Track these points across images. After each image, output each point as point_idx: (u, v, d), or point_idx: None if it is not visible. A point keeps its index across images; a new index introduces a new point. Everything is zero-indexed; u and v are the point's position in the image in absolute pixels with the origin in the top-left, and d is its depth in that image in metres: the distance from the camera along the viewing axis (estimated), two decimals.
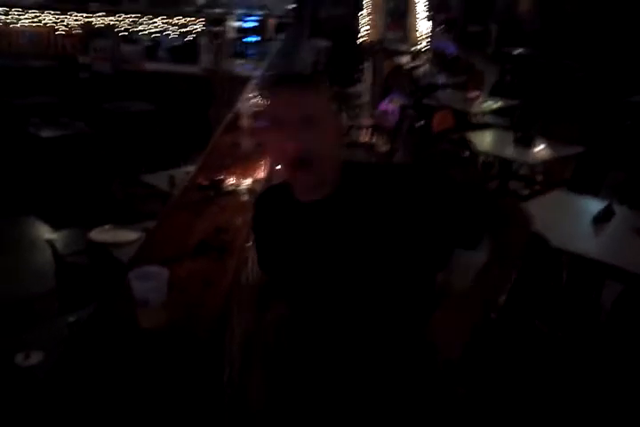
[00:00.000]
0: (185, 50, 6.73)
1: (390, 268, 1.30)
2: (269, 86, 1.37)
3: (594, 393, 2.55)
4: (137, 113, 5.58)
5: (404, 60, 8.14)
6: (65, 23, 6.49)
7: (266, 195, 1.53)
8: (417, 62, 7.78)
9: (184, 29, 6.86)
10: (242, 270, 1.90)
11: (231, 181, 2.40)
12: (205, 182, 2.31)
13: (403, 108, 4.53)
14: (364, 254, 1.29)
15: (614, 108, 5.77)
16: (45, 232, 3.82)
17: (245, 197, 2.29)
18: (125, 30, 6.68)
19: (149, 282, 1.34)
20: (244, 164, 2.67)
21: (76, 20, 6.48)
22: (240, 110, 3.39)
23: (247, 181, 2.43)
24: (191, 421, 1.20)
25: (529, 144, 4.13)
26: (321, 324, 1.39)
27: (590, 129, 4.63)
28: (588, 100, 5.93)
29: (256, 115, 3.23)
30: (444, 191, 1.31)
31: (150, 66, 6.44)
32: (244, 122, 3.18)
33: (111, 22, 6.44)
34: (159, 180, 3.51)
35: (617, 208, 3.08)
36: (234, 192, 2.31)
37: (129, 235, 2.88)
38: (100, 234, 2.98)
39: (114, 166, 4.50)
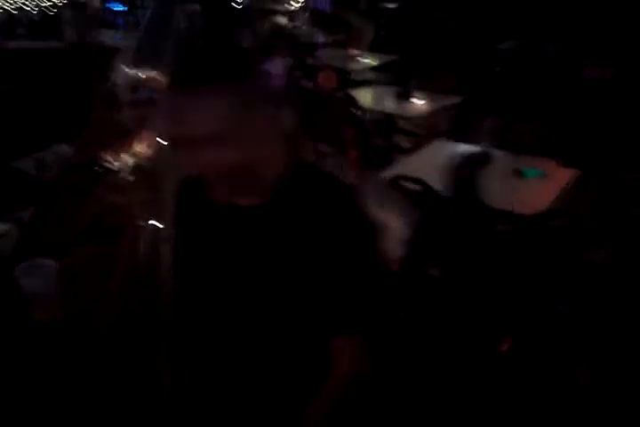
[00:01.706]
0: (46, 24, 6.28)
1: (291, 297, 1.15)
2: (169, 86, 1.01)
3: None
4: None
5: (282, 20, 8.02)
6: None
7: (186, 189, 1.25)
8: (295, 22, 7.70)
9: (44, 3, 6.39)
10: (137, 254, 1.85)
11: (112, 158, 2.30)
12: (83, 162, 2.20)
13: (289, 70, 4.49)
14: (273, 275, 1.14)
15: (486, 56, 5.99)
16: None
17: (129, 176, 2.22)
18: None
19: (37, 278, 1.29)
20: (124, 139, 2.56)
21: None
22: (114, 82, 3.24)
23: (130, 158, 2.34)
24: (93, 417, 1.16)
25: (409, 98, 4.23)
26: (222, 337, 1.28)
27: (465, 78, 4.79)
28: (462, 51, 6.12)
29: (132, 86, 3.11)
30: (352, 242, 1.11)
31: (9, 44, 5.97)
32: (120, 94, 3.06)
33: None
34: (26, 164, 3.30)
35: (496, 153, 3.23)
36: (116, 171, 2.22)
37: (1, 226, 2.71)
38: None
39: None
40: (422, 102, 4.21)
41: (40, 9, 6.12)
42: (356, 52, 5.62)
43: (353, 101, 3.62)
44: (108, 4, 7.11)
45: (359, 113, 3.56)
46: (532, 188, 2.96)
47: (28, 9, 6.12)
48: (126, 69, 3.44)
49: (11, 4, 5.99)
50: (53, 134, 3.42)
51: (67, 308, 1.35)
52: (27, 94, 5.20)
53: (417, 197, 2.78)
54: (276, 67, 4.42)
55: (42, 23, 6.32)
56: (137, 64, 3.50)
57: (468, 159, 3.02)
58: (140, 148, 2.47)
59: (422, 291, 2.90)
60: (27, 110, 5.00)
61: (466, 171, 2.86)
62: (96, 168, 2.21)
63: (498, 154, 3.26)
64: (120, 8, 7.22)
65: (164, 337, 2.22)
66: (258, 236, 1.13)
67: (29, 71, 5.43)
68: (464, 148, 3.50)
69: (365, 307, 1.14)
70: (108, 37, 6.00)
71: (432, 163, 3.23)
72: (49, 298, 1.29)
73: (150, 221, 2.47)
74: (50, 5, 6.03)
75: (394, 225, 2.50)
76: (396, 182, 2.74)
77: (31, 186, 2.91)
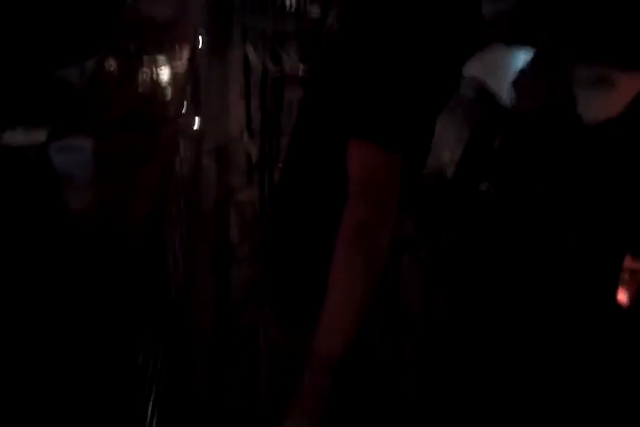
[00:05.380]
0: None
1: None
2: None
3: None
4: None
5: None
6: None
7: None
8: None
9: None
10: (178, 142, 1.75)
11: (149, 50, 2.16)
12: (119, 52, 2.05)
13: None
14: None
15: None
16: None
17: (170, 68, 2.08)
18: None
19: (72, 156, 1.18)
20: (162, 35, 2.40)
21: None
22: None
23: (169, 53, 2.20)
24: (124, 322, 1.06)
25: None
26: None
27: None
28: None
29: None
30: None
31: None
32: None
33: None
34: (69, 73, 3.19)
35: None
36: (156, 63, 2.09)
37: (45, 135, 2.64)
38: (14, 137, 2.71)
39: (16, 62, 4.04)
40: None
41: None
42: None
43: None
44: None
45: None
46: (599, 97, 2.74)
47: None
48: None
49: None
50: (96, 41, 3.28)
51: (102, 193, 1.25)
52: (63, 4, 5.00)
53: (474, 103, 2.59)
54: None
55: None
56: None
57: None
58: (179, 44, 2.32)
59: (472, 208, 2.76)
60: (68, 15, 4.82)
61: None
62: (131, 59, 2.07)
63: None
64: None
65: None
66: None
67: None
68: (525, 53, 3.25)
69: (388, 107, 0.88)
70: None
71: (494, 69, 3.02)
72: (84, 180, 1.18)
73: (190, 121, 2.36)
74: None
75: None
76: None
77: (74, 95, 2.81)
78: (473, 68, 3.03)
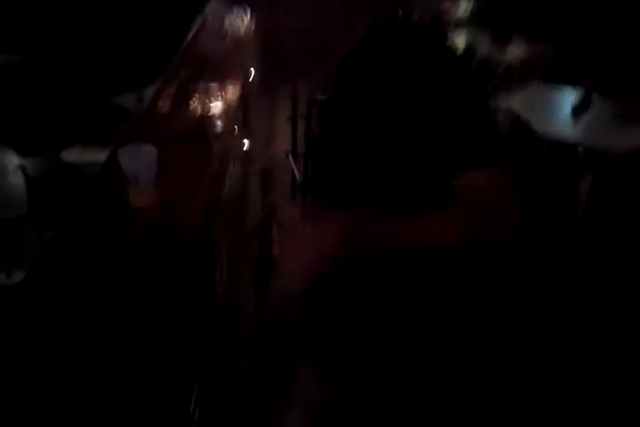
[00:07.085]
0: None
1: None
2: None
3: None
4: (100, 34, 5.34)
5: None
6: None
7: None
8: None
9: None
10: (229, 161, 1.90)
11: (207, 81, 2.33)
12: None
13: None
14: None
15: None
16: (15, 159, 3.70)
17: (223, 96, 2.25)
18: None
19: (139, 158, 1.33)
20: (217, 66, 2.58)
21: None
22: (208, 15, 3.27)
23: (223, 83, 2.37)
24: (180, 320, 1.17)
25: (506, 41, 4.06)
26: None
27: (564, 25, 4.54)
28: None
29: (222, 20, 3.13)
30: None
31: None
32: (214, 25, 3.08)
33: None
34: (127, 100, 3.40)
35: (595, 97, 3.07)
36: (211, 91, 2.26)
37: (103, 154, 2.82)
38: (72, 155, 2.91)
39: (80, 89, 4.32)
40: (519, 45, 4.04)
41: None
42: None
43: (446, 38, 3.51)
44: None
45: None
46: (635, 133, 2.81)
47: None
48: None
49: None
50: (153, 72, 3.51)
51: (162, 194, 1.39)
52: (129, 33, 5.31)
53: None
54: None
55: None
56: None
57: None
58: (233, 82, 2.48)
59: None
60: (129, 49, 5.12)
61: None
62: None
63: (599, 98, 3.10)
64: None
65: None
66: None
67: (129, 11, 5.54)
68: (564, 91, 3.35)
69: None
70: None
71: (530, 104, 3.12)
72: (148, 182, 1.33)
73: (240, 144, 2.53)
74: None
75: None
76: None
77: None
78: (512, 103, 3.15)
